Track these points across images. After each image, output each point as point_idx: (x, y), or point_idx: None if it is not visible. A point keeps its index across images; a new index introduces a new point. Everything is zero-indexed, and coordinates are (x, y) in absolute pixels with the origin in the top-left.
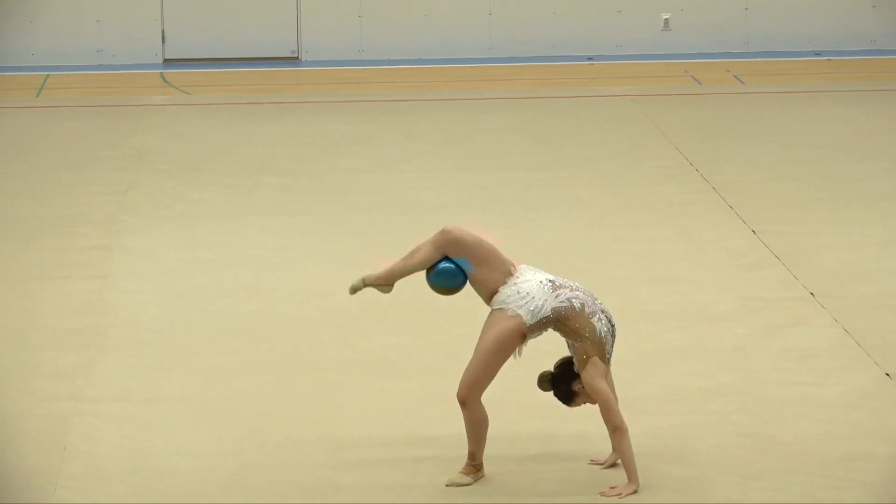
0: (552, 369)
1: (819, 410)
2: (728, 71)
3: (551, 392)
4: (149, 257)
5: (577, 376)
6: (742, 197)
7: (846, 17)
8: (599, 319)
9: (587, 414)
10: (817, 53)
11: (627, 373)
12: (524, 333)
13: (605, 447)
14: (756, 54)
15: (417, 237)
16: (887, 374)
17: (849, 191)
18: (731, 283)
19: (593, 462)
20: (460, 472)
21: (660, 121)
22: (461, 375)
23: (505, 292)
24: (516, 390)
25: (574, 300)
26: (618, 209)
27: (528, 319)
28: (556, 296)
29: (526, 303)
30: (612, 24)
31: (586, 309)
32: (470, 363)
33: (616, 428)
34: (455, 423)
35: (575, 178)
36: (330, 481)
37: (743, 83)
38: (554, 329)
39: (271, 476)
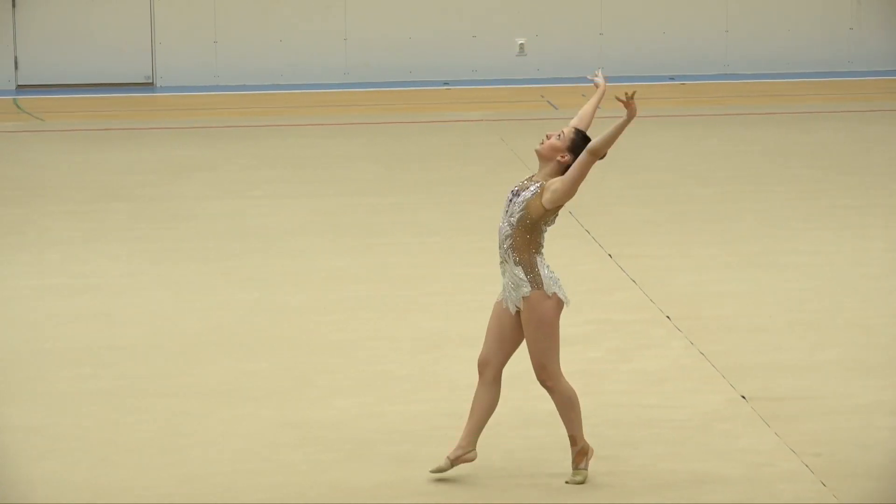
0: None
1: (672, 433)
2: (583, 95)
3: None
4: None
5: None
6: (596, 221)
7: (699, 42)
8: None
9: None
10: (671, 78)
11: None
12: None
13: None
14: (611, 79)
15: (266, 263)
16: (743, 397)
17: (697, 214)
18: (586, 307)
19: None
20: (573, 470)
21: (515, 145)
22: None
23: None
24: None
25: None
26: (469, 235)
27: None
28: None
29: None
30: (468, 48)
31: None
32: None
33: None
34: (307, 446)
35: (425, 203)
36: None
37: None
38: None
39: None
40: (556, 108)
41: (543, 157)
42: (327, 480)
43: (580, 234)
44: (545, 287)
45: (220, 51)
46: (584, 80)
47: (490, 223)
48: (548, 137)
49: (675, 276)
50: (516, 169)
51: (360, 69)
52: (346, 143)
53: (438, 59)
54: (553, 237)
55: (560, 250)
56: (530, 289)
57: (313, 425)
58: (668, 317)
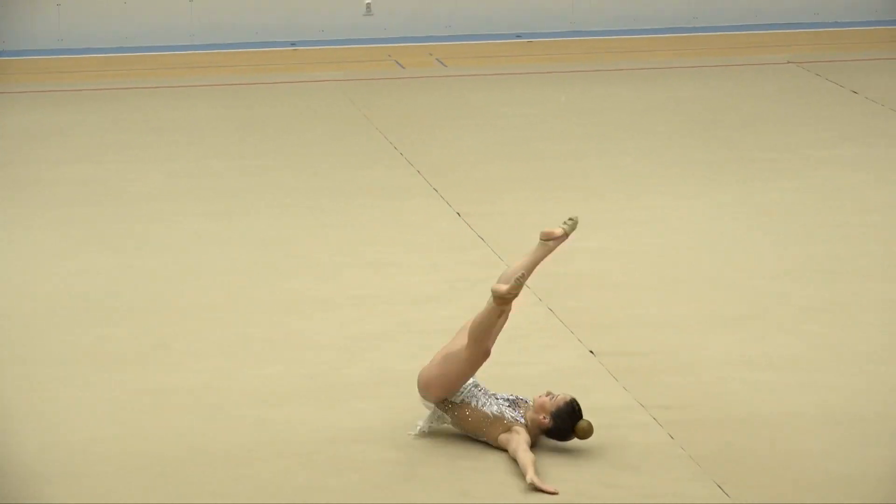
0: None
1: (526, 389)
2: (431, 54)
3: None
4: None
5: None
6: (447, 180)
7: (545, 1)
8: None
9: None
10: (518, 35)
11: (334, 357)
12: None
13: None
14: (459, 37)
15: (125, 227)
16: (591, 352)
17: (549, 171)
18: (438, 266)
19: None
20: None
21: (364, 105)
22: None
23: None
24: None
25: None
26: (323, 195)
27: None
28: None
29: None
30: (315, 9)
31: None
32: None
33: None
34: (165, 411)
35: (280, 164)
36: (42, 476)
37: (446, 66)
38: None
39: None
40: (404, 68)
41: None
42: (186, 444)
43: (429, 193)
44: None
45: (64, 14)
46: (432, 38)
47: (344, 184)
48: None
49: (527, 234)
50: (366, 130)
51: (207, 31)
52: (195, 106)
53: (285, 20)
54: (403, 197)
55: (410, 210)
56: None
57: (171, 390)
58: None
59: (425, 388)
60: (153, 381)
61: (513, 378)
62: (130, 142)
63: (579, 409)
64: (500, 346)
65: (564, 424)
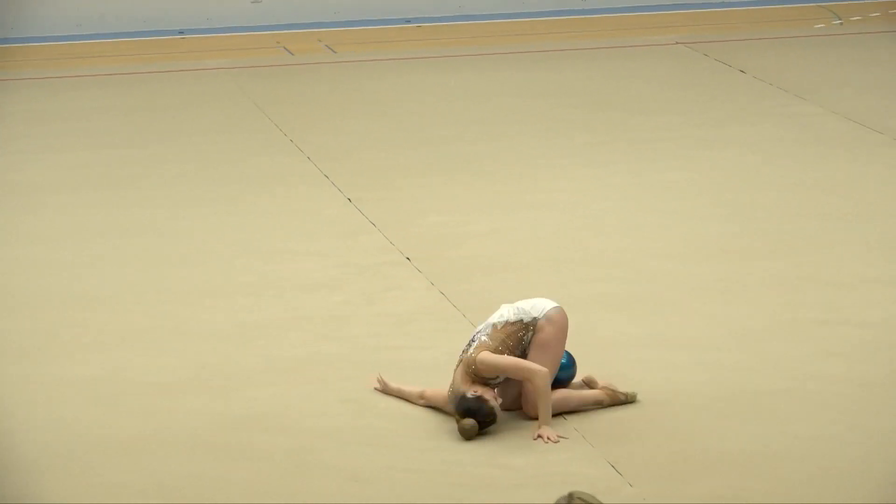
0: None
1: (418, 374)
2: (320, 41)
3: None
4: None
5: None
6: (337, 166)
7: None
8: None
9: None
10: (407, 21)
11: (227, 345)
12: None
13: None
14: (347, 23)
15: (13, 219)
16: None
17: (440, 156)
18: (329, 252)
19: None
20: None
21: (253, 93)
22: None
23: None
24: None
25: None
26: (213, 183)
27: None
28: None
29: None
30: None
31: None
32: None
33: (533, 374)
34: (55, 404)
35: (169, 154)
36: None
37: (335, 52)
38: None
39: None
40: (293, 55)
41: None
42: (77, 435)
43: (320, 180)
44: None
45: None
46: (320, 24)
47: (234, 172)
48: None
49: (418, 219)
50: (256, 117)
51: (93, 20)
52: (83, 96)
53: (172, 8)
54: (294, 184)
55: (301, 197)
56: None
57: (63, 381)
58: (407, 258)
59: None
60: (45, 372)
61: (405, 363)
62: (18, 133)
63: (476, 412)
64: (392, 331)
65: (459, 407)
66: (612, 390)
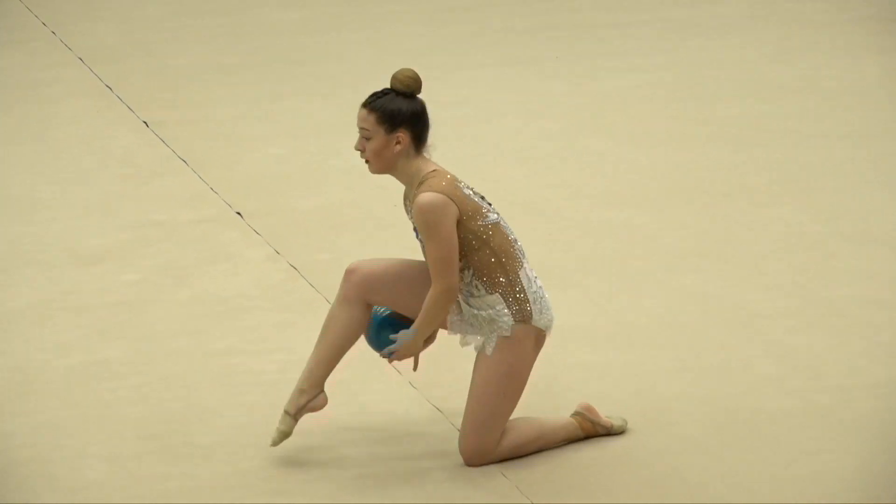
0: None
1: (255, 390)
2: None
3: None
4: None
5: None
6: (121, 69)
7: None
8: None
9: None
10: None
11: None
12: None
13: None
14: None
15: None
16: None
17: (272, 52)
18: (116, 205)
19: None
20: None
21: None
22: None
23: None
24: None
25: None
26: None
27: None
28: None
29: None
30: None
31: None
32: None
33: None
34: None
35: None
36: None
37: None
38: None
39: None
40: None
41: (382, 170)
42: None
43: (100, 92)
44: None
45: None
46: None
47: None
48: (362, 150)
49: (249, 151)
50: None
51: None
52: None
53: None
54: (55, 97)
55: (69, 117)
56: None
57: None
58: (238, 213)
59: None
60: None
61: (236, 376)
62: None
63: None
64: (213, 326)
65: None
66: (590, 420)
